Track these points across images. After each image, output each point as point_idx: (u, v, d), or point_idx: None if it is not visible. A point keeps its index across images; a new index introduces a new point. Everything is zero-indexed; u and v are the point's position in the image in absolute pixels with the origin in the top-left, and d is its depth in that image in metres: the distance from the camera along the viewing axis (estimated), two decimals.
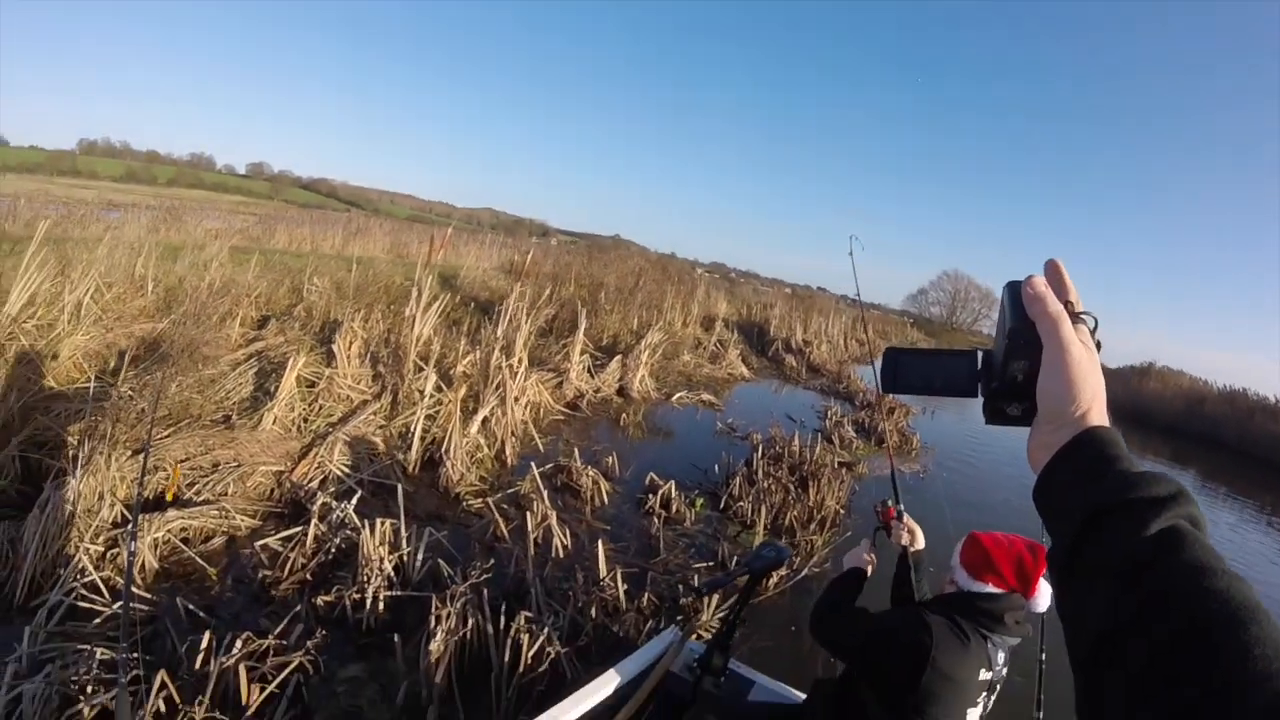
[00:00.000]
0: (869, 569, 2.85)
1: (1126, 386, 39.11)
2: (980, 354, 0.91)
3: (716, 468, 8.84)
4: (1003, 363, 0.83)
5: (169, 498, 5.35)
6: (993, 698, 2.35)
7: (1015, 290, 0.82)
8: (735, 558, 6.41)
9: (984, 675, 2.27)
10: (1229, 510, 16.42)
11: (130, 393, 6.52)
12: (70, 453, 5.29)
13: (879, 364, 1.04)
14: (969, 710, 2.26)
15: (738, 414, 12.85)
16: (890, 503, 3.02)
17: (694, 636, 4.00)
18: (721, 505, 7.83)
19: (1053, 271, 0.84)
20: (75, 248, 8.97)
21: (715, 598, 5.46)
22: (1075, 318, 0.80)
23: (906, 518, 2.90)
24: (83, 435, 5.51)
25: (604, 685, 3.17)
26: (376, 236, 21.43)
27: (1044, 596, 2.37)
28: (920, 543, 2.87)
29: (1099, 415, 0.77)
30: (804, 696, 3.12)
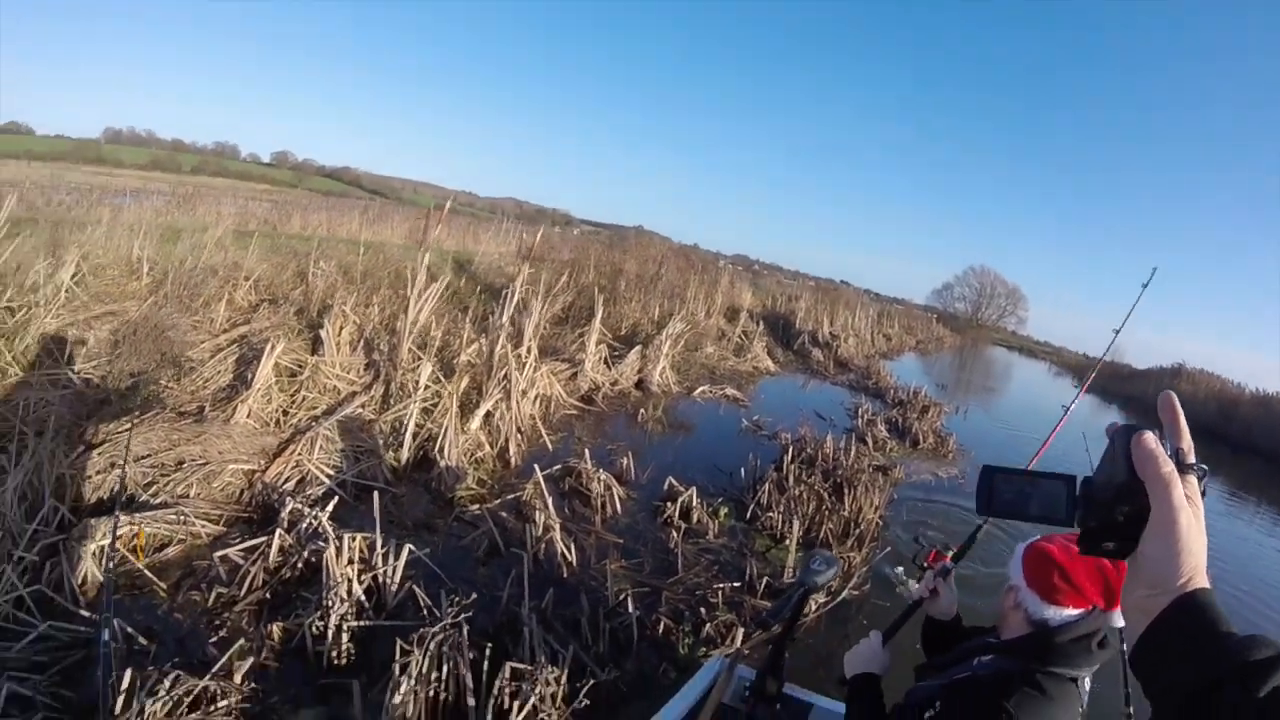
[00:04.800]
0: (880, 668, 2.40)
1: (1158, 387, 38.41)
2: (1079, 481, 0.91)
3: (743, 471, 8.08)
4: (1108, 504, 0.83)
5: (139, 560, 4.55)
6: None
7: (1127, 439, 0.81)
8: (765, 578, 5.66)
9: None
10: (1266, 520, 15.51)
11: (98, 379, 5.98)
12: (14, 446, 4.69)
13: (976, 479, 1.03)
14: None
15: (764, 410, 12.13)
16: (944, 549, 2.76)
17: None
18: (748, 515, 7.09)
19: (1166, 410, 0.84)
20: (72, 229, 8.44)
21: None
22: (1184, 469, 0.80)
23: (950, 579, 2.51)
24: (32, 427, 4.94)
25: None
26: (394, 222, 20.85)
27: None
28: (942, 609, 2.48)
29: (1200, 579, 0.76)
30: None
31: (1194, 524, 0.76)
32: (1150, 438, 0.80)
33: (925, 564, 2.69)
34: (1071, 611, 1.93)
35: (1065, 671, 1.87)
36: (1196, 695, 0.69)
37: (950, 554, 2.72)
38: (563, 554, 5.36)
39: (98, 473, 4.94)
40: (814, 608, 5.41)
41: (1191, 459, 0.80)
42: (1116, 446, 0.83)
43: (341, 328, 7.79)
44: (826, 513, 7.15)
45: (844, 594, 5.79)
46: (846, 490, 7.66)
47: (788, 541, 6.47)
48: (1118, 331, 4.38)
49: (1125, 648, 2.26)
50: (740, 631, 4.88)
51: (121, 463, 4.83)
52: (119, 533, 4.47)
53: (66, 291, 6.83)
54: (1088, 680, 1.94)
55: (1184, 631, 0.73)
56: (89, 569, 4.13)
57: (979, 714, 1.81)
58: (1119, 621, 1.96)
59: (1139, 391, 37.78)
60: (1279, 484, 21.49)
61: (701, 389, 12.71)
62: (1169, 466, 0.77)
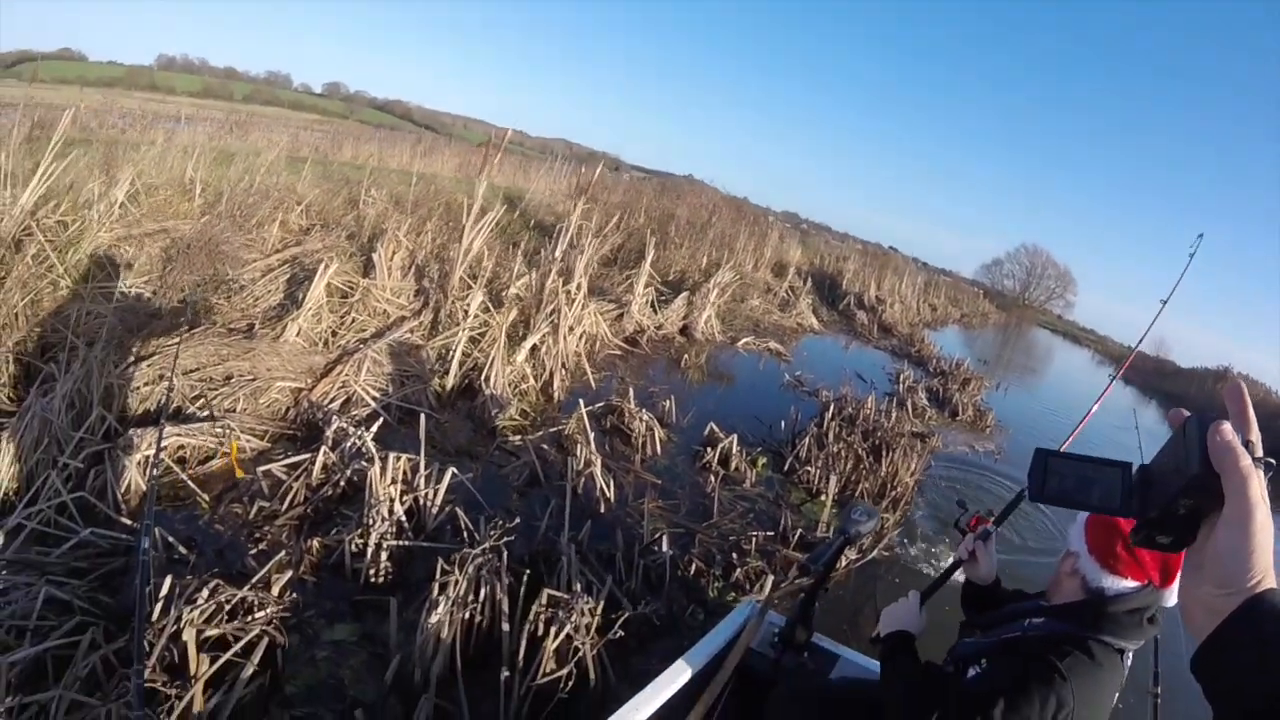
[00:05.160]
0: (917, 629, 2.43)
1: (1200, 387, 37.25)
2: (1135, 468, 0.87)
3: (783, 424, 8.08)
4: (1172, 497, 0.78)
5: (239, 474, 4.64)
6: None
7: (1200, 429, 0.77)
8: (799, 530, 5.66)
9: (1115, 698, 1.92)
10: None
11: (149, 294, 6.03)
12: (65, 356, 4.75)
13: (1012, 454, 0.83)
14: None
15: (806, 367, 12.03)
16: (985, 514, 2.74)
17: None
18: (786, 467, 7.07)
19: (1235, 400, 0.79)
20: (126, 150, 8.52)
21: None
22: (1254, 463, 0.75)
23: (990, 542, 2.53)
24: (83, 338, 4.99)
25: (685, 669, 2.81)
26: (445, 156, 20.85)
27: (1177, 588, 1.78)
28: (981, 574, 2.51)
29: (1270, 579, 0.72)
30: None
31: (1268, 521, 0.73)
32: (1229, 428, 0.76)
33: (967, 528, 2.68)
34: (1129, 583, 1.94)
35: (1114, 642, 1.90)
36: (1269, 703, 0.66)
37: (991, 519, 2.69)
38: (601, 489, 5.37)
39: (145, 384, 4.99)
40: (844, 563, 5.39)
41: (1260, 452, 0.76)
42: (1188, 436, 0.79)
43: (394, 253, 7.80)
44: (864, 472, 7.10)
45: (874, 553, 5.77)
46: (885, 452, 7.59)
47: (823, 497, 6.45)
48: (1165, 301, 4.29)
49: (1159, 636, 2.28)
50: (770, 579, 4.87)
51: (169, 375, 4.88)
52: (170, 442, 4.56)
53: (120, 208, 6.87)
54: (1130, 656, 1.97)
55: (1256, 635, 0.70)
56: (133, 478, 4.16)
57: (1030, 672, 1.81)
58: (1171, 601, 1.97)
59: (1180, 390, 36.03)
60: None
61: (745, 340, 12.66)
62: (1248, 459, 0.74)
